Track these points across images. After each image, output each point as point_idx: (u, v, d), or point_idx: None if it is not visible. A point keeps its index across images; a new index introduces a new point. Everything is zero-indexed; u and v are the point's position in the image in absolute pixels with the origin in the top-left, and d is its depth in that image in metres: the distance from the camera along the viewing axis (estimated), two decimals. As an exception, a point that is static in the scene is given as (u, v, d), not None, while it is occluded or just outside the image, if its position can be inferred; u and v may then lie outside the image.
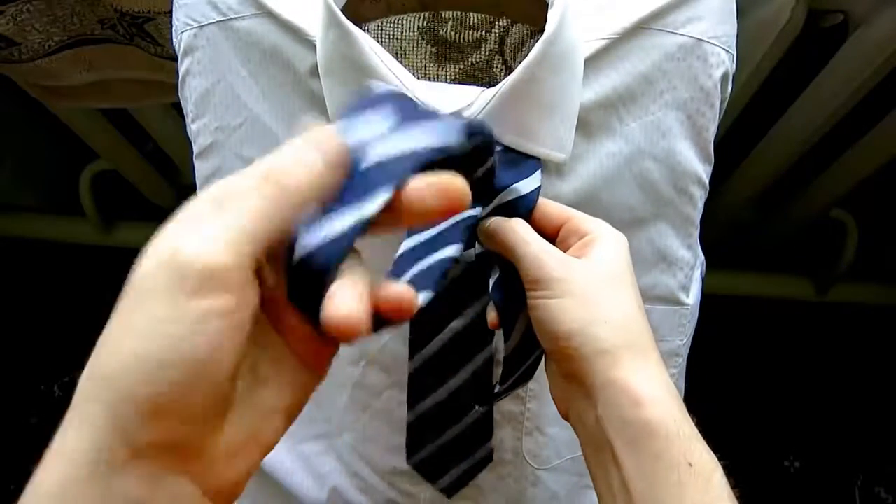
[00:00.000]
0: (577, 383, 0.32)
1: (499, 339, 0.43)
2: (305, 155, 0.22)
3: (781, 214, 1.02)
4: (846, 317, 1.13)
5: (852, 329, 1.13)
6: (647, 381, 0.30)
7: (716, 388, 1.06)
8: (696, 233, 0.45)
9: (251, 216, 0.21)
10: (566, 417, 0.34)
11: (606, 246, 0.33)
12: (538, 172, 0.37)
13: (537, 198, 0.36)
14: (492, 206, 0.36)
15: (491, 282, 0.36)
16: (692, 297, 0.46)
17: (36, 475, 0.21)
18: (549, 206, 0.36)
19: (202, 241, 0.20)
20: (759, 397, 1.09)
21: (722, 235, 1.06)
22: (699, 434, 0.30)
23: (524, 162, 0.37)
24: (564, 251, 0.34)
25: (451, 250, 0.32)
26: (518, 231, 0.34)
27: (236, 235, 0.20)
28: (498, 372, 0.43)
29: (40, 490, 0.21)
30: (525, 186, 0.36)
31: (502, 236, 0.34)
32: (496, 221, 0.35)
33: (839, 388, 1.10)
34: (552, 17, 0.35)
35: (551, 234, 0.36)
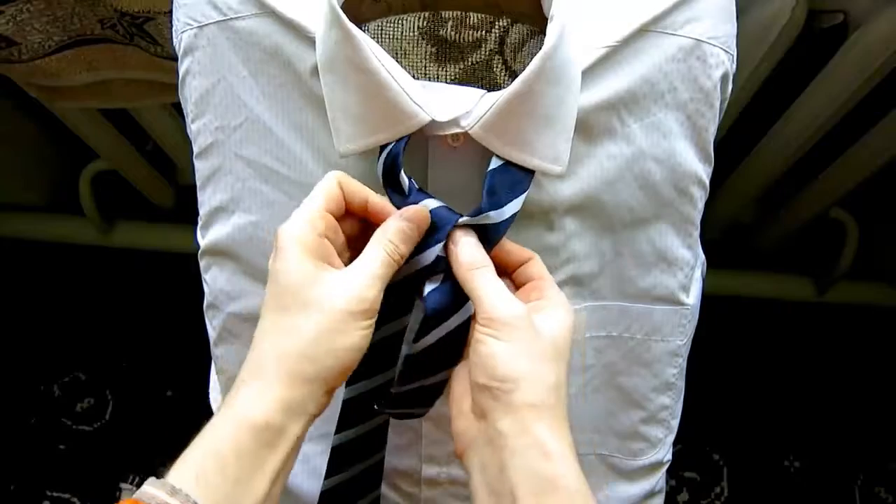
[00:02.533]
0: (485, 424, 0.34)
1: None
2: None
3: (781, 214, 1.02)
4: (846, 317, 1.13)
5: (852, 329, 1.13)
6: (558, 440, 0.33)
7: (716, 388, 1.06)
8: (697, 233, 0.45)
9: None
10: (460, 456, 0.36)
11: (559, 316, 0.36)
12: (521, 198, 0.38)
13: (510, 225, 0.38)
14: (466, 220, 0.37)
15: (429, 286, 0.37)
16: (692, 297, 0.46)
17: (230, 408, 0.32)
18: (511, 244, 0.39)
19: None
20: (759, 397, 1.09)
21: (722, 235, 1.06)
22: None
23: (515, 184, 0.38)
24: (517, 289, 0.39)
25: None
26: (487, 270, 0.36)
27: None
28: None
29: (232, 410, 0.32)
30: (503, 213, 0.37)
31: (470, 268, 0.36)
32: (467, 249, 0.37)
33: (839, 388, 1.10)
34: (551, 31, 0.35)
35: (509, 269, 0.39)
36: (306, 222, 0.34)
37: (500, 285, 0.36)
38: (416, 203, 0.37)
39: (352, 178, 0.37)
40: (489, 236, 0.37)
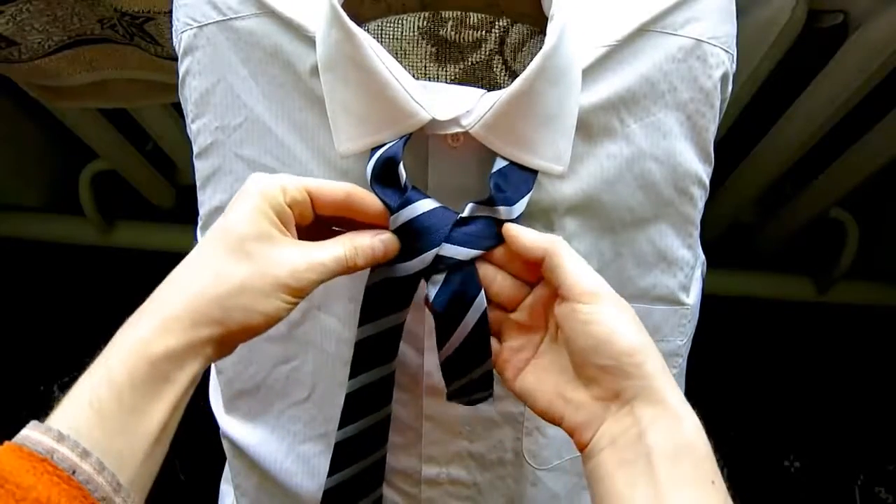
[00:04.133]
0: (617, 403, 0.33)
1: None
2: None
3: (781, 214, 1.02)
4: (846, 317, 1.13)
5: (852, 329, 1.13)
6: (683, 403, 0.32)
7: (716, 388, 1.06)
8: (697, 233, 0.45)
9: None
10: (583, 446, 0.34)
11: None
12: (527, 198, 0.37)
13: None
14: (471, 212, 0.37)
15: (434, 290, 0.37)
16: (692, 297, 0.46)
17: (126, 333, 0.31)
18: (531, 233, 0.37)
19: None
20: (759, 397, 1.09)
21: (722, 235, 1.06)
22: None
23: (521, 184, 0.37)
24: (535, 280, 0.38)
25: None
26: (561, 245, 0.35)
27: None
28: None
29: (132, 337, 0.31)
30: (512, 212, 0.37)
31: (540, 241, 0.35)
32: (527, 233, 0.36)
33: (839, 388, 1.10)
34: (552, 30, 0.35)
35: (533, 262, 0.37)
36: (279, 185, 0.34)
37: (580, 259, 0.35)
38: (413, 201, 0.36)
39: (326, 184, 0.36)
40: (497, 232, 0.37)
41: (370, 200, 0.36)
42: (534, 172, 0.38)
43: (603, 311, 0.33)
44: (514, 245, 0.36)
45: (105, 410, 0.29)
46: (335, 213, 0.36)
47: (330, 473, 0.43)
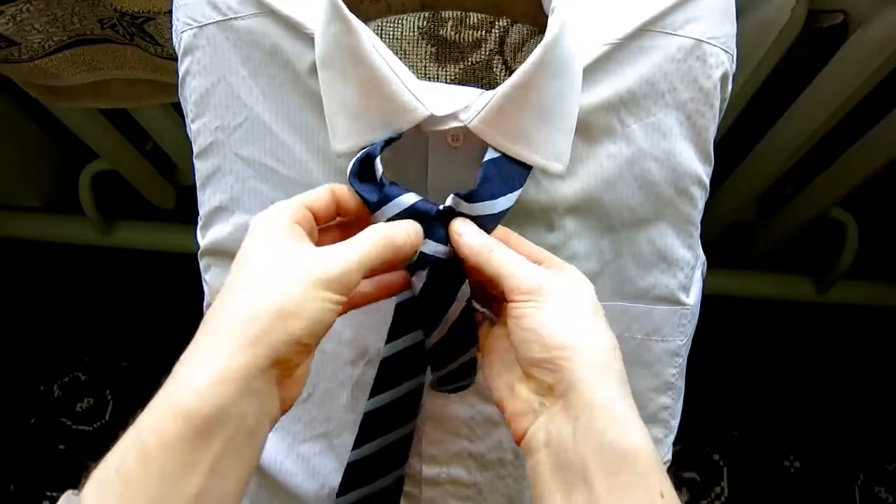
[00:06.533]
0: (550, 399, 0.32)
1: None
2: None
3: (781, 214, 1.02)
4: (846, 317, 1.13)
5: (852, 329, 1.13)
6: (630, 410, 0.31)
7: (716, 388, 1.06)
8: (697, 233, 0.45)
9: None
10: (519, 441, 0.34)
11: (580, 279, 0.35)
12: (515, 194, 0.37)
13: (500, 220, 0.37)
14: (452, 203, 0.36)
15: (419, 284, 0.37)
16: (692, 297, 0.46)
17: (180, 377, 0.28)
18: (523, 243, 0.37)
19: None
20: (759, 397, 1.09)
21: (722, 235, 1.06)
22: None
23: (511, 179, 0.37)
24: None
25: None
26: (500, 248, 0.35)
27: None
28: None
29: (189, 384, 0.27)
30: (495, 206, 0.36)
31: (483, 251, 0.35)
32: (472, 235, 0.35)
33: (839, 388, 1.10)
34: (553, 22, 0.35)
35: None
36: (279, 209, 0.33)
37: (519, 258, 0.35)
38: (394, 196, 0.35)
39: (312, 192, 0.35)
40: (481, 226, 0.37)
41: (351, 195, 0.36)
42: (527, 168, 0.37)
43: (538, 306, 0.32)
44: (456, 249, 0.36)
45: (133, 480, 0.25)
46: (331, 218, 0.36)
47: (355, 447, 0.42)
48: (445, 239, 0.36)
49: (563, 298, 0.33)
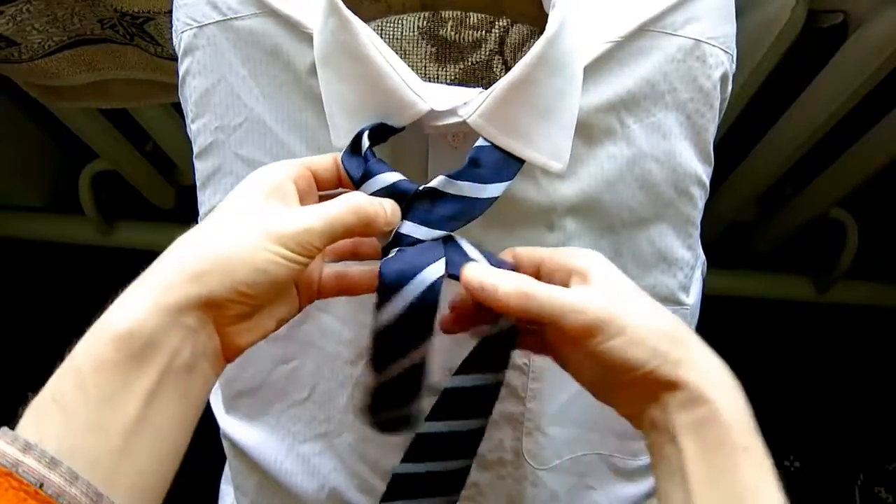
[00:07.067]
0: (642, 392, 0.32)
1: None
2: None
3: (781, 214, 1.02)
4: (846, 317, 1.13)
5: (852, 329, 1.13)
6: (704, 373, 0.31)
7: (716, 388, 1.06)
8: (697, 233, 0.45)
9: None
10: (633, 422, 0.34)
11: (603, 269, 0.34)
12: (504, 185, 0.36)
13: (485, 209, 0.35)
14: (438, 184, 0.35)
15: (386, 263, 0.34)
16: (692, 297, 0.46)
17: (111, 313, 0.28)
18: (521, 251, 0.36)
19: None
20: (759, 397, 1.08)
21: (722, 235, 1.06)
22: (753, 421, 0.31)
23: (503, 168, 0.36)
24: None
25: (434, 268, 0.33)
26: (537, 287, 0.32)
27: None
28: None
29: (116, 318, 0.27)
30: (484, 190, 0.35)
31: (525, 298, 0.32)
32: (486, 273, 0.33)
33: (839, 389, 1.10)
34: (553, 18, 0.35)
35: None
36: (280, 164, 0.33)
37: (555, 294, 0.32)
38: (376, 173, 0.34)
39: (317, 157, 0.36)
40: (463, 211, 0.35)
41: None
42: (520, 162, 0.37)
43: (604, 340, 0.31)
44: (484, 299, 0.32)
45: (69, 405, 0.26)
46: (333, 184, 0.36)
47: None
48: (427, 222, 0.35)
49: (623, 313, 0.32)
